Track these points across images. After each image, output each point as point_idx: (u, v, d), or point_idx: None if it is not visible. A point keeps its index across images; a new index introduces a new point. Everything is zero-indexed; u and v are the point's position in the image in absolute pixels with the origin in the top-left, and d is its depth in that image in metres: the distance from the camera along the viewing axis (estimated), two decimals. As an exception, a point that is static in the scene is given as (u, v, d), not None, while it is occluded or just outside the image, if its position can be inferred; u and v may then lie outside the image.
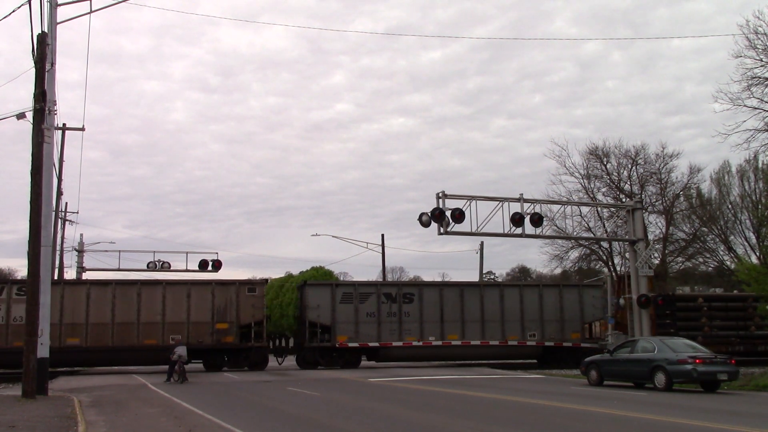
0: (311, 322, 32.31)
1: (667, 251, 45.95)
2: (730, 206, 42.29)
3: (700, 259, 46.40)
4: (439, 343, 33.22)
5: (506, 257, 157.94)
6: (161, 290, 31.13)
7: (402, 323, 33.06)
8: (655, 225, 45.84)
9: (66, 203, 45.32)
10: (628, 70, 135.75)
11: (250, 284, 32.70)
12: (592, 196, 45.95)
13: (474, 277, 59.49)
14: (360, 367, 32.56)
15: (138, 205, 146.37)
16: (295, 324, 33.90)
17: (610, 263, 46.58)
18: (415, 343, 32.89)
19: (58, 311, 29.08)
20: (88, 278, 39.91)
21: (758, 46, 29.74)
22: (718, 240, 43.34)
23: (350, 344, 32.32)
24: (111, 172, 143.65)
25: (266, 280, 34.41)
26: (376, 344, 32.63)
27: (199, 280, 35.63)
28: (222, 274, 42.40)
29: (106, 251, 45.61)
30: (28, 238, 18.97)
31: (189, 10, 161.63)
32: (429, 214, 26.78)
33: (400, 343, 32.74)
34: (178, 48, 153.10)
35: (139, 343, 30.26)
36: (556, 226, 38.83)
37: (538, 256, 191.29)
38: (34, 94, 19.12)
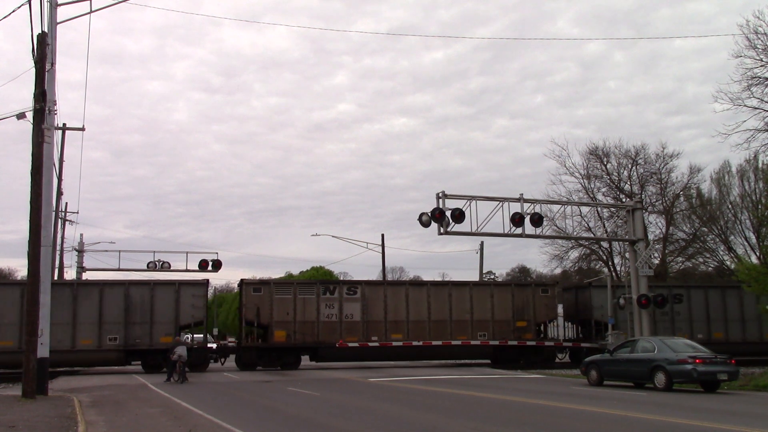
0: (596, 321, 34.73)
1: (667, 251, 45.97)
2: (730, 206, 42.27)
3: (700, 259, 46.40)
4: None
5: (506, 257, 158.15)
6: (468, 290, 33.91)
7: (674, 321, 35.12)
8: (655, 225, 45.91)
9: (66, 203, 45.37)
10: (630, 71, 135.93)
11: (544, 286, 35.62)
12: (592, 196, 45.94)
13: (474, 277, 59.45)
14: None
15: (139, 205, 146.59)
16: (571, 322, 36.89)
17: (610, 263, 46.59)
18: (700, 336, 34.33)
19: (382, 310, 32.76)
20: (406, 279, 42.34)
21: (758, 46, 29.78)
22: (718, 240, 43.35)
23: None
24: (112, 172, 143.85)
25: (557, 282, 36.07)
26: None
27: (500, 281, 37.15)
28: (222, 274, 42.89)
29: (106, 251, 45.60)
30: (28, 238, 18.98)
31: (191, 11, 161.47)
32: (429, 214, 26.73)
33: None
34: (181, 48, 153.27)
35: (452, 339, 32.84)
36: (556, 226, 38.90)
37: (538, 256, 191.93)
38: (34, 94, 19.15)
